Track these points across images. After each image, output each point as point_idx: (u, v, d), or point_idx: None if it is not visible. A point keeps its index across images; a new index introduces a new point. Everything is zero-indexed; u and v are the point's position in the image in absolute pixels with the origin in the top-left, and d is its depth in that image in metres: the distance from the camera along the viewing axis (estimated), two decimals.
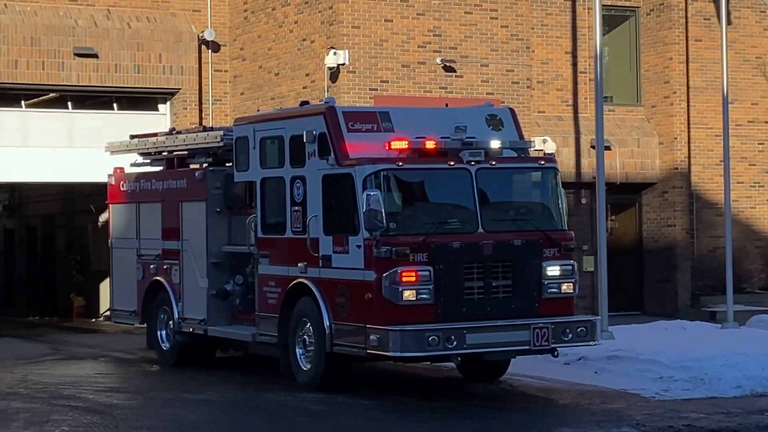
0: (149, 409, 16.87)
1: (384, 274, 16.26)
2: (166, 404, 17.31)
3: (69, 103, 27.15)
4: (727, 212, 26.20)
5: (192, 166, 21.01)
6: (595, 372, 19.32)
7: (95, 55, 26.79)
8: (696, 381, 18.62)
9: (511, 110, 18.74)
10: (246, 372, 20.34)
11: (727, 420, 16.02)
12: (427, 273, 16.32)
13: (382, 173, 16.55)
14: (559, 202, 17.61)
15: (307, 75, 25.59)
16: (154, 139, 22.08)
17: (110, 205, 22.98)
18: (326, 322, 17.07)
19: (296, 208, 17.78)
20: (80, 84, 26.74)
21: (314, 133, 17.31)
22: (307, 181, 17.59)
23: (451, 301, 16.47)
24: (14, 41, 26.25)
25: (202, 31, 27.91)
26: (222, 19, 28.40)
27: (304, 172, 17.65)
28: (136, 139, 22.72)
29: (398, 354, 16.17)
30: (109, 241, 23.02)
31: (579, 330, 17.02)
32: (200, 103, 27.85)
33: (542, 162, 17.88)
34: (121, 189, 22.56)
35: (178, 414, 16.45)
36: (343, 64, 24.59)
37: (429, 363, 18.93)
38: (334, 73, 24.74)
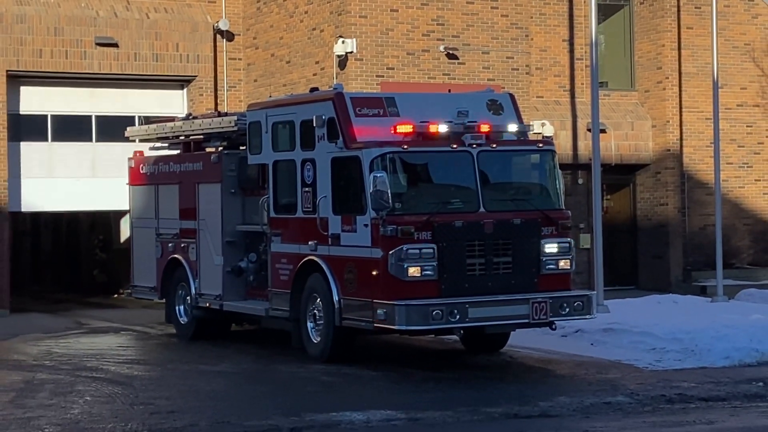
0: (168, 380, 16.89)
1: (390, 252, 16.35)
2: (183, 375, 17.34)
3: (93, 134, 27.13)
4: (717, 191, 26.19)
5: (208, 150, 21.01)
6: (591, 344, 19.31)
7: (115, 45, 26.77)
8: (687, 352, 18.60)
9: (511, 95, 18.78)
10: (259, 345, 20.36)
11: (716, 389, 16.00)
12: (431, 250, 16.40)
13: (388, 156, 16.66)
14: (557, 182, 17.65)
15: (317, 63, 25.55)
16: (171, 124, 22.07)
17: (130, 186, 22.96)
18: (335, 297, 17.17)
19: (306, 189, 17.87)
20: (101, 72, 26.72)
21: (323, 117, 17.40)
22: (316, 163, 17.66)
23: (454, 277, 16.55)
24: (39, 31, 26.24)
25: (217, 21, 27.88)
26: (236, 10, 28.35)
27: (314, 155, 17.72)
28: (155, 125, 22.70)
29: (404, 327, 16.31)
30: (130, 221, 23.04)
31: (576, 304, 17.12)
32: (215, 90, 27.83)
33: (540, 145, 17.97)
34: (141, 172, 22.59)
35: (195, 384, 16.47)
36: (351, 52, 24.53)
37: (433, 336, 18.87)
38: (343, 61, 24.69)
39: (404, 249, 16.32)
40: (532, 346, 18.99)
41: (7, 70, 25.97)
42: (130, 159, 22.95)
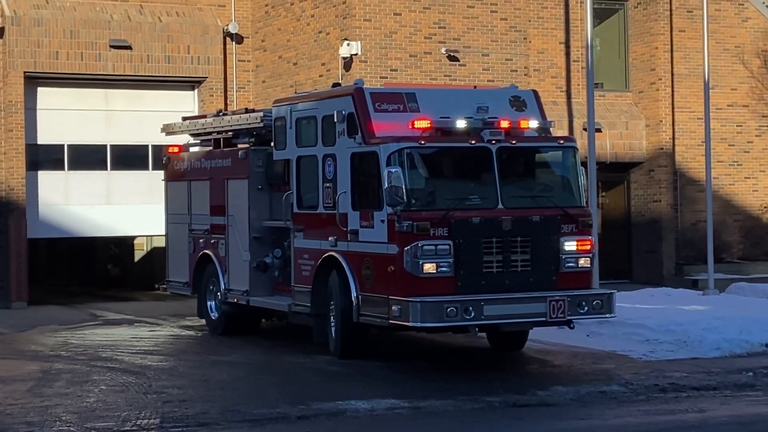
0: (179, 370, 16.89)
1: (405, 248, 15.74)
2: (194, 365, 17.34)
3: (108, 162, 27.19)
4: (709, 188, 26.18)
5: (237, 146, 20.34)
6: (587, 335, 19.30)
7: (129, 47, 26.78)
8: (679, 343, 18.61)
9: (535, 92, 18.12)
10: (267, 337, 20.37)
11: (707, 379, 16.01)
12: (447, 247, 15.77)
13: (405, 151, 16.00)
14: (578, 179, 16.96)
15: (323, 64, 25.54)
16: (203, 120, 21.60)
17: (166, 182, 22.47)
18: (353, 294, 16.60)
19: (327, 184, 17.29)
20: (115, 73, 26.74)
21: (343, 113, 16.83)
22: (337, 159, 17.07)
23: (471, 274, 15.89)
24: (55, 34, 26.26)
25: (227, 25, 27.89)
26: (245, 14, 28.36)
27: (335, 151, 17.13)
28: (187, 121, 22.33)
29: (418, 324, 15.66)
30: (166, 216, 22.48)
31: (595, 303, 16.34)
32: (225, 91, 27.84)
33: (561, 141, 17.29)
34: (175, 168, 22.09)
35: (205, 374, 16.48)
36: (356, 54, 24.53)
37: (451, 333, 18.17)
38: (348, 63, 24.69)
39: (419, 245, 15.68)
40: (531, 337, 18.92)
41: (24, 72, 25.99)
42: (165, 156, 22.42)
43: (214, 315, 20.77)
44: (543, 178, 17.46)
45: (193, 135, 22.06)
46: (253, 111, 20.20)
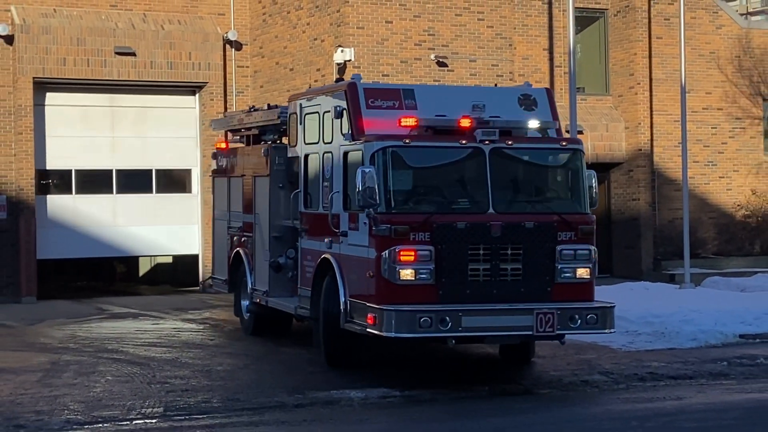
0: (182, 361, 16.86)
1: (383, 252, 14.05)
2: (196, 356, 17.31)
3: (114, 186, 27.17)
4: (685, 188, 26.25)
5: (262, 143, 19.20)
6: None
7: (133, 54, 26.74)
8: (657, 334, 18.63)
9: (548, 90, 16.27)
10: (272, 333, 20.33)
11: (684, 368, 16.03)
12: (428, 253, 14.01)
13: (389, 150, 14.31)
14: (581, 184, 14.89)
15: (318, 70, 25.53)
16: (238, 116, 20.73)
17: (213, 178, 21.58)
18: (342, 299, 14.95)
19: (326, 183, 15.77)
20: (120, 78, 26.70)
21: (339, 109, 15.32)
22: (333, 157, 15.60)
23: (454, 282, 14.12)
24: (62, 41, 26.21)
25: (226, 32, 27.87)
26: (244, 22, 28.33)
27: (331, 148, 15.69)
28: (226, 117, 21.85)
29: (392, 335, 13.88)
30: (212, 213, 21.60)
31: (589, 317, 14.39)
32: (225, 95, 27.81)
33: (564, 143, 15.14)
34: (219, 164, 21.07)
35: (207, 365, 16.45)
36: (350, 60, 24.51)
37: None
38: (342, 68, 24.67)
39: (396, 250, 13.99)
40: None
41: (33, 77, 25.95)
42: (213, 153, 21.72)
43: (246, 315, 19.52)
44: (543, 181, 15.48)
45: (230, 131, 21.25)
46: (276, 107, 18.92)
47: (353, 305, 14.71)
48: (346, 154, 15.15)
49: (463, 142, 14.48)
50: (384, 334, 13.93)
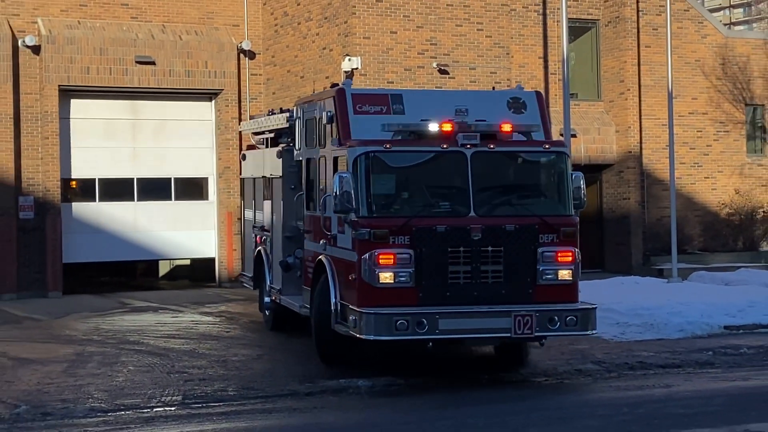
0: (199, 352, 16.87)
1: (363, 256, 13.57)
2: (212, 347, 17.32)
3: (135, 194, 27.14)
4: (672, 187, 26.25)
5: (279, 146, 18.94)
6: None
7: (153, 62, 26.74)
8: (647, 326, 18.61)
9: (538, 93, 15.77)
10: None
11: (672, 357, 16.01)
12: (407, 256, 13.50)
13: (371, 155, 13.81)
14: (566, 186, 14.32)
15: (327, 78, 25.50)
16: (260, 119, 20.63)
17: (242, 179, 21.42)
18: (333, 300, 14.50)
19: (321, 187, 15.54)
20: (141, 86, 26.70)
21: (329, 114, 15.04)
22: (326, 161, 15.33)
23: (434, 285, 13.58)
24: (86, 51, 26.21)
25: (241, 42, 27.86)
26: (257, 32, 28.32)
27: (325, 152, 15.44)
28: (252, 120, 21.74)
29: (371, 337, 13.42)
30: (242, 212, 21.48)
31: (568, 319, 13.78)
32: (239, 102, 27.79)
33: (547, 146, 14.44)
34: (245, 166, 21.03)
35: (223, 356, 16.45)
36: (357, 68, 24.49)
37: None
38: (349, 76, 24.62)
39: (375, 253, 13.50)
40: None
41: (59, 85, 25.95)
42: (243, 153, 21.48)
43: (267, 311, 19.31)
44: (525, 184, 14.75)
45: (254, 134, 21.14)
46: (287, 111, 18.62)
47: (342, 307, 14.28)
48: (336, 159, 14.77)
49: (445, 146, 13.92)
50: (363, 336, 13.52)
